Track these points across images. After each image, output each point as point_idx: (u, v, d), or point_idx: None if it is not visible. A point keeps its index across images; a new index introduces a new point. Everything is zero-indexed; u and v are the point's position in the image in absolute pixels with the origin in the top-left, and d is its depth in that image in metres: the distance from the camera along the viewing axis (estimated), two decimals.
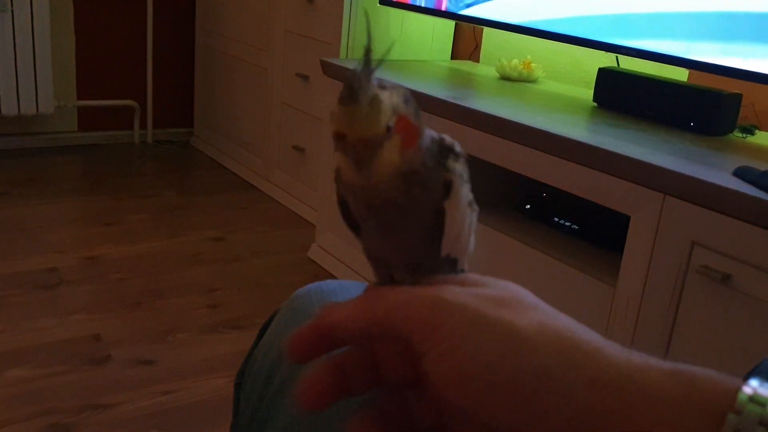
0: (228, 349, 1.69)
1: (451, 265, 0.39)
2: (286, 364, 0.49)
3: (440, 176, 0.36)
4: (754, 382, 0.30)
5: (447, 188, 0.36)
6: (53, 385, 1.49)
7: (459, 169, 0.36)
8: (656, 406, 0.31)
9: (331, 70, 2.08)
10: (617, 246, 1.32)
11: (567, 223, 1.60)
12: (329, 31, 2.33)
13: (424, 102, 1.72)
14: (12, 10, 2.76)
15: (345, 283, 0.56)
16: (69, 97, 3.13)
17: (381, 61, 0.33)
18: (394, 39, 2.37)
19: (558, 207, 1.62)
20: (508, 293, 0.35)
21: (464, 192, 0.37)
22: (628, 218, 1.27)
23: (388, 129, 0.33)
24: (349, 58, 2.29)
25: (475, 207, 0.39)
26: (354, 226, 0.40)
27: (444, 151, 0.36)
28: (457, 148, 0.37)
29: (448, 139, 0.38)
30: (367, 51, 0.33)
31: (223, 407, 1.47)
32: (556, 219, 1.61)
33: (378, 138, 0.33)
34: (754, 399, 0.29)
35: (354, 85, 0.32)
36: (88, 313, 1.79)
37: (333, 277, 2.12)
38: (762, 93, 1.61)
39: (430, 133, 0.37)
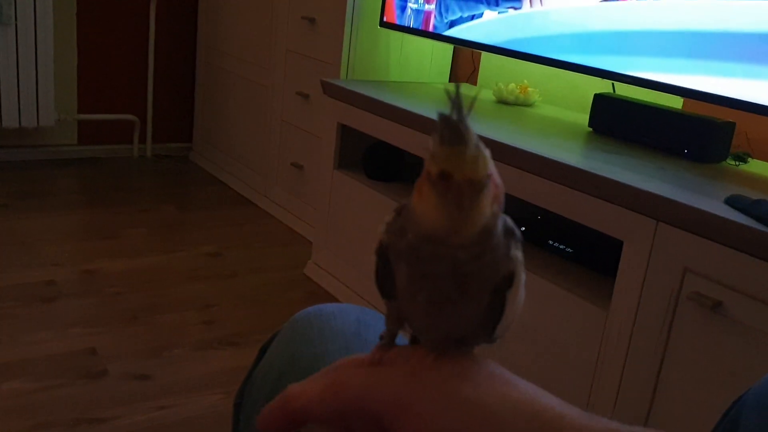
0: (223, 365, 1.70)
1: (493, 340, 0.39)
2: (285, 386, 0.51)
3: (507, 261, 0.35)
4: None
5: (510, 278, 0.36)
6: (49, 399, 1.49)
7: (520, 256, 0.36)
8: None
9: (330, 89, 2.10)
10: (610, 270, 1.34)
11: (561, 247, 1.61)
12: (330, 51, 2.36)
13: (421, 124, 1.75)
14: (16, 24, 2.78)
15: (344, 307, 0.57)
16: (70, 111, 3.15)
17: (471, 107, 0.33)
18: (393, 61, 2.40)
19: (552, 230, 1.64)
20: (476, 368, 0.36)
21: (523, 277, 0.37)
22: (621, 243, 1.30)
23: (489, 176, 0.33)
24: (349, 78, 2.32)
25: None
26: (389, 292, 0.38)
27: (509, 237, 0.35)
28: (518, 233, 0.36)
29: (509, 221, 0.36)
30: (458, 95, 0.33)
31: (218, 423, 1.48)
32: (550, 242, 1.63)
33: (484, 180, 0.32)
34: None
35: (461, 127, 0.32)
36: (85, 327, 1.80)
37: (329, 294, 2.13)
38: (755, 122, 1.64)
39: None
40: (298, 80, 2.56)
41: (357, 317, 0.55)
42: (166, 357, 1.71)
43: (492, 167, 0.33)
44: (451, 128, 0.32)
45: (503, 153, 1.52)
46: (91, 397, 1.52)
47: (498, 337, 0.39)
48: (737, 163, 1.59)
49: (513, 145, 1.50)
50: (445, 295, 0.35)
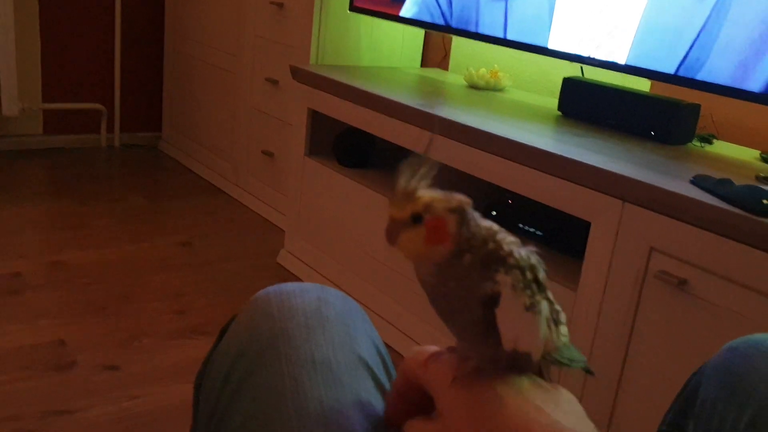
0: (195, 354, 1.69)
1: (524, 358, 0.44)
2: (243, 363, 0.50)
3: (486, 286, 0.41)
4: None
5: (495, 298, 0.41)
6: (17, 391, 1.47)
7: (510, 280, 0.41)
8: None
9: (300, 75, 2.09)
10: (579, 252, 1.35)
11: (531, 230, 1.62)
12: (299, 36, 2.34)
13: (393, 109, 1.74)
14: None
15: (304, 285, 0.57)
16: (34, 100, 3.09)
17: (428, 165, 0.42)
18: (364, 45, 2.39)
19: (523, 214, 1.65)
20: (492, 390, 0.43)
21: (519, 299, 0.42)
22: (588, 224, 1.30)
23: (417, 219, 0.40)
24: (319, 63, 2.30)
25: (540, 309, 0.43)
26: None
27: (494, 264, 0.41)
28: (513, 258, 0.42)
29: (506, 248, 0.42)
30: (425, 156, 0.42)
31: (190, 413, 1.46)
32: (521, 225, 1.64)
33: (401, 220, 0.41)
34: None
35: (399, 174, 0.41)
36: (53, 319, 1.77)
37: (302, 282, 2.12)
38: (720, 103, 1.66)
39: (488, 244, 0.42)
40: (268, 66, 2.54)
41: (318, 295, 0.55)
42: (137, 347, 1.70)
43: (437, 215, 0.41)
44: (398, 172, 0.41)
45: (474, 138, 1.52)
46: (59, 388, 1.50)
47: (532, 357, 0.44)
48: (703, 144, 1.61)
49: (484, 129, 1.50)
50: (442, 310, 0.43)
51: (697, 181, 1.21)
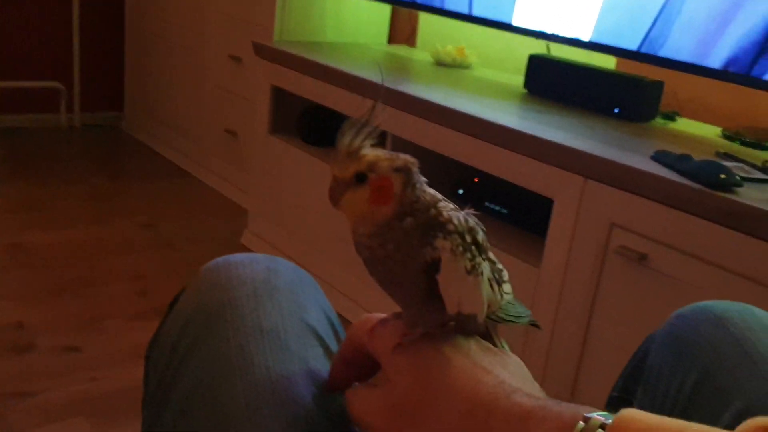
0: None
1: (469, 320, 0.44)
2: (191, 332, 0.50)
3: (425, 252, 0.41)
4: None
5: (436, 265, 0.41)
6: None
7: (449, 245, 0.41)
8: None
9: (263, 52, 2.06)
10: (544, 229, 1.35)
11: (497, 208, 1.63)
12: (262, 12, 2.30)
13: (360, 86, 1.73)
14: None
15: (253, 256, 0.56)
16: None
17: (370, 120, 0.41)
18: (329, 22, 2.36)
19: (489, 192, 1.65)
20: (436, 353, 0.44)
21: (459, 263, 0.42)
22: (551, 201, 1.31)
23: (361, 179, 0.40)
24: (283, 39, 2.27)
25: (480, 270, 0.43)
26: None
27: (433, 229, 0.41)
28: (452, 225, 0.42)
29: (446, 215, 0.42)
30: (367, 113, 0.41)
31: None
32: (487, 203, 1.64)
33: (344, 179, 0.40)
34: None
35: (343, 132, 0.41)
36: (11, 301, 1.74)
37: None
38: (684, 81, 1.67)
39: (429, 210, 0.42)
40: (231, 43, 2.50)
41: (267, 265, 0.54)
42: (98, 329, 1.67)
43: (382, 174, 0.40)
44: (340, 132, 0.41)
45: (440, 115, 1.51)
46: (19, 370, 1.47)
47: (478, 318, 0.45)
48: (666, 121, 1.63)
49: (450, 107, 1.49)
50: (383, 278, 0.43)
51: (658, 157, 1.22)
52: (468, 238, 0.43)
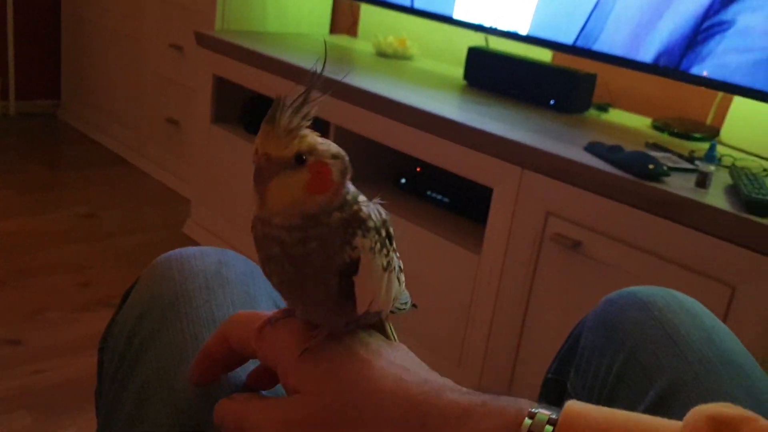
0: (100, 327, 1.62)
1: (373, 317, 0.42)
2: (146, 324, 0.51)
3: (344, 252, 0.38)
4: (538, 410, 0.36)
5: (354, 265, 0.38)
6: None
7: (368, 243, 0.38)
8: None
9: (205, 41, 2.04)
10: (483, 217, 1.40)
11: (438, 197, 1.66)
12: (203, 1, 2.28)
13: (300, 76, 1.73)
14: None
15: (205, 249, 0.58)
16: None
17: (308, 100, 0.37)
18: (270, 11, 2.36)
19: (431, 181, 1.69)
20: (345, 353, 0.41)
21: (377, 262, 0.39)
22: (491, 190, 1.35)
23: (299, 160, 0.36)
24: (225, 29, 2.26)
25: (394, 265, 0.41)
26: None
27: (352, 227, 0.38)
28: (372, 221, 0.39)
29: (366, 210, 0.39)
30: (307, 90, 0.37)
31: (95, 385, 1.44)
32: (429, 193, 1.68)
33: (281, 160, 0.36)
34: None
35: (277, 109, 0.36)
36: None
37: None
38: (616, 73, 1.73)
39: (353, 206, 0.39)
40: (172, 31, 2.47)
41: (218, 258, 0.56)
42: (40, 321, 1.65)
43: (321, 158, 0.36)
44: (272, 109, 0.36)
45: (382, 105, 1.54)
46: None
47: (381, 314, 0.42)
48: (599, 112, 1.69)
49: (391, 98, 1.52)
50: (289, 278, 0.38)
51: (591, 148, 1.28)
52: (383, 233, 0.40)
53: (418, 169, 1.72)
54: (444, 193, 1.66)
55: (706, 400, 0.34)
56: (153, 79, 2.61)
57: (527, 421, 0.35)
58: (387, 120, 1.53)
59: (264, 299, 0.55)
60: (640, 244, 1.15)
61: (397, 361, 0.40)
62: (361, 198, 0.40)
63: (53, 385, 1.44)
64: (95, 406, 0.60)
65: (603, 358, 0.58)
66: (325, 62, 0.39)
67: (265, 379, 0.45)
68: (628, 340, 0.57)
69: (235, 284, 0.54)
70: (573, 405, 0.35)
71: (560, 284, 1.25)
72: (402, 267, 0.44)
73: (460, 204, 1.63)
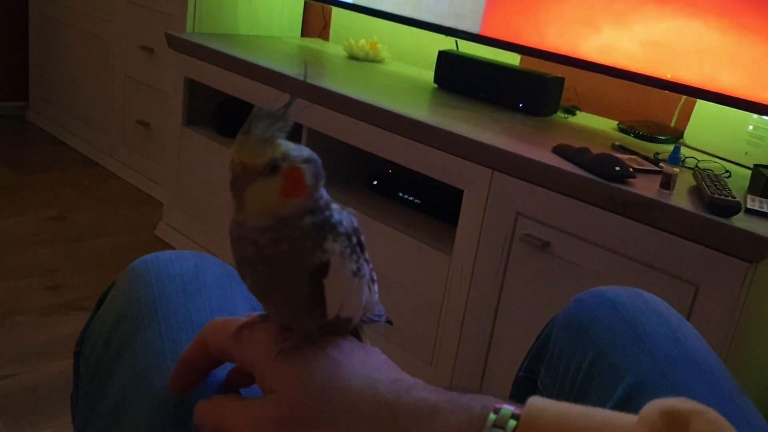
0: (71, 330, 1.64)
1: (345, 323, 0.43)
2: (123, 328, 0.52)
3: (315, 255, 0.39)
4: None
5: (324, 268, 0.40)
6: None
7: (338, 248, 0.40)
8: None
9: (176, 43, 2.04)
10: (454, 218, 1.42)
11: (410, 198, 1.68)
12: (174, 2, 2.28)
13: (272, 79, 1.75)
14: None
15: (181, 253, 0.58)
16: None
17: (286, 114, 0.39)
18: (242, 14, 2.36)
19: (402, 183, 1.70)
20: (318, 354, 0.42)
21: (346, 266, 0.41)
22: (462, 192, 1.37)
23: (274, 168, 0.38)
24: (196, 31, 2.25)
25: (364, 272, 0.43)
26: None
27: (323, 231, 0.40)
28: (342, 226, 0.41)
29: (337, 216, 0.41)
30: (287, 104, 0.39)
31: (67, 389, 1.43)
32: (400, 194, 1.70)
33: (257, 167, 0.38)
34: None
35: (253, 120, 0.38)
36: None
37: None
38: (582, 77, 1.77)
39: (325, 211, 0.40)
40: (142, 33, 2.46)
41: (195, 262, 0.57)
42: (8, 325, 1.63)
43: (293, 164, 0.38)
44: (248, 120, 0.38)
45: (353, 108, 1.55)
46: None
47: (351, 321, 0.44)
48: (566, 115, 1.72)
49: (362, 100, 1.54)
50: (262, 280, 0.40)
51: (559, 151, 1.30)
52: (354, 240, 0.42)
53: (389, 171, 1.74)
54: (415, 194, 1.68)
55: (673, 396, 0.36)
56: (123, 81, 2.59)
57: (492, 416, 0.36)
58: (359, 122, 1.54)
59: (241, 303, 0.56)
60: (606, 244, 1.17)
61: (368, 362, 0.42)
62: (334, 205, 0.41)
63: (23, 389, 1.42)
64: (71, 411, 0.60)
65: (573, 357, 0.60)
66: (305, 77, 0.41)
67: (243, 379, 0.46)
68: (597, 338, 0.59)
69: (212, 288, 0.55)
70: (535, 400, 0.37)
71: (530, 283, 1.28)
72: (375, 278, 0.46)
73: (431, 205, 1.65)
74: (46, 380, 1.46)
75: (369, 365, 0.41)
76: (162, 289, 0.53)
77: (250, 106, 1.96)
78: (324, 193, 0.41)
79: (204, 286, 0.54)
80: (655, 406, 0.34)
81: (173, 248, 2.13)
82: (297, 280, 0.40)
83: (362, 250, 0.43)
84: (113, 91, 2.65)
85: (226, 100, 2.02)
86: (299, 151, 0.39)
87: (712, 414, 0.33)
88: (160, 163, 2.44)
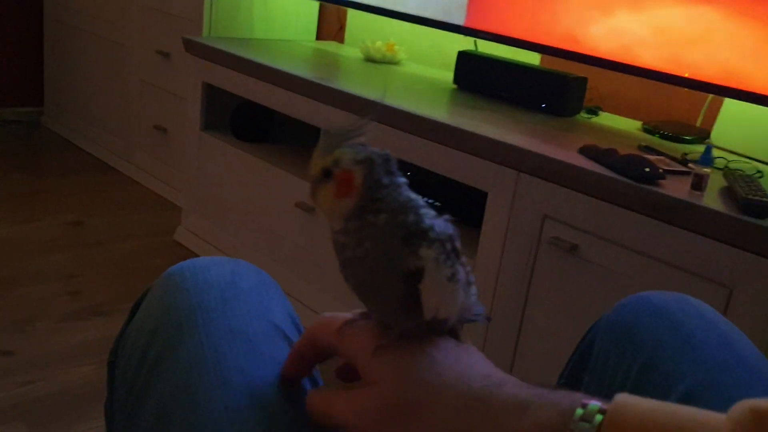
0: (92, 336, 1.64)
1: (441, 323, 0.45)
2: (161, 338, 0.51)
3: (409, 260, 0.42)
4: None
5: (420, 274, 0.42)
6: None
7: (432, 254, 0.42)
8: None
9: (193, 47, 2.03)
10: (477, 221, 1.40)
11: (430, 201, 1.66)
12: (190, 6, 2.27)
13: (289, 82, 1.73)
14: None
15: (217, 259, 0.57)
16: None
17: (353, 132, 0.43)
18: (258, 17, 2.35)
19: (422, 185, 1.68)
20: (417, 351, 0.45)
21: (441, 272, 0.43)
22: (485, 194, 1.35)
23: (327, 174, 0.42)
24: (212, 35, 2.25)
25: (459, 277, 0.44)
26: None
27: (414, 237, 0.42)
28: (434, 232, 0.43)
29: (428, 222, 0.43)
30: (358, 126, 0.44)
31: (90, 394, 1.43)
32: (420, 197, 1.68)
33: (316, 177, 0.43)
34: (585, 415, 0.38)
35: (321, 136, 0.43)
36: None
37: None
38: (605, 76, 1.74)
39: (414, 215, 0.43)
40: (158, 38, 2.45)
41: (232, 269, 0.56)
42: (29, 331, 1.63)
43: (344, 167, 0.42)
44: (321, 135, 0.43)
45: (372, 110, 1.53)
46: None
47: (447, 322, 0.46)
48: (589, 116, 1.70)
49: (382, 102, 1.52)
50: (360, 281, 0.44)
51: (585, 151, 1.28)
52: (448, 246, 0.43)
53: (408, 173, 1.72)
54: (435, 197, 1.66)
55: (726, 405, 0.35)
56: (139, 86, 2.59)
57: (579, 410, 0.38)
58: (378, 125, 1.52)
59: (278, 309, 0.55)
60: (636, 247, 1.15)
61: (464, 359, 0.45)
62: (424, 210, 0.43)
63: (47, 395, 1.42)
64: (105, 422, 0.59)
65: (619, 364, 0.58)
66: (383, 99, 0.45)
67: (350, 372, 0.49)
68: (645, 345, 0.58)
69: (250, 294, 0.54)
70: (623, 396, 0.37)
71: (557, 288, 1.26)
72: (472, 281, 0.48)
73: (451, 208, 1.62)
74: (68, 386, 1.46)
75: (464, 362, 0.44)
76: (200, 297, 0.52)
77: (268, 110, 1.97)
78: (404, 196, 0.43)
79: (241, 293, 0.53)
80: (745, 405, 0.34)
81: (192, 253, 2.12)
82: (392, 281, 0.43)
83: (457, 256, 0.44)
84: (129, 96, 2.65)
85: (243, 105, 2.01)
86: (355, 153, 0.42)
87: None
88: (178, 167, 2.43)
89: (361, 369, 0.45)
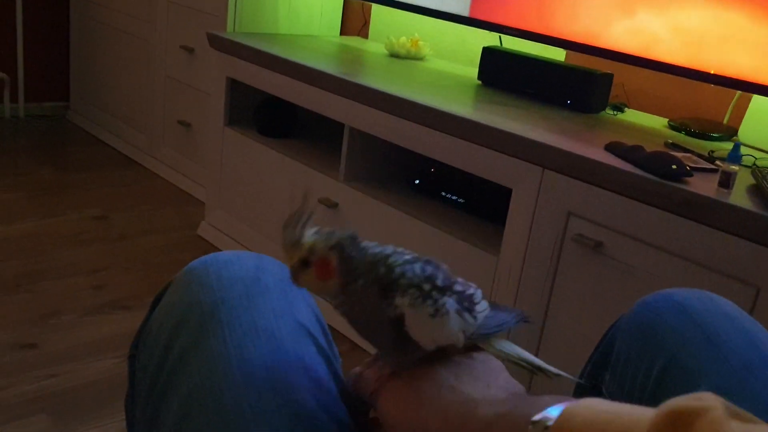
0: (115, 329, 1.65)
1: (448, 348, 0.49)
2: (184, 334, 0.50)
3: (390, 310, 0.46)
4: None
5: (401, 318, 0.46)
6: None
7: (407, 301, 0.46)
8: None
9: (218, 42, 2.04)
10: (500, 217, 1.39)
11: (454, 197, 1.66)
12: (215, 2, 2.28)
13: (315, 78, 1.73)
14: None
15: (240, 254, 0.57)
16: None
17: (304, 211, 0.46)
18: (282, 13, 2.35)
19: (445, 182, 1.68)
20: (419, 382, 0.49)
21: (422, 312, 0.46)
22: (509, 191, 1.34)
23: (305, 263, 0.46)
24: (237, 30, 2.25)
25: (445, 309, 0.47)
26: None
27: (387, 289, 0.46)
28: (406, 278, 0.46)
29: (398, 271, 0.46)
30: (302, 207, 0.46)
31: (113, 388, 1.44)
32: (443, 193, 1.67)
33: (293, 267, 0.47)
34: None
35: (284, 228, 0.46)
36: None
37: None
38: (631, 73, 1.72)
39: (383, 267, 0.46)
40: (182, 33, 2.47)
41: (256, 264, 0.55)
42: (54, 324, 1.65)
43: (320, 255, 0.46)
44: (283, 227, 0.47)
45: (396, 106, 1.53)
46: None
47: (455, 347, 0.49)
48: (615, 112, 1.68)
49: (405, 97, 1.51)
50: (360, 331, 0.49)
51: (611, 148, 1.27)
52: (426, 287, 0.46)
53: (432, 170, 1.71)
54: (459, 193, 1.65)
55: (752, 405, 0.33)
56: (163, 81, 2.61)
57: (536, 417, 0.39)
58: (402, 120, 1.52)
59: (303, 305, 0.54)
60: (662, 245, 1.14)
61: (455, 383, 0.47)
62: (394, 258, 0.47)
63: (71, 388, 1.43)
64: (126, 416, 0.59)
65: (641, 362, 0.57)
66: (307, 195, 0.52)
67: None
68: (667, 343, 0.56)
69: (274, 291, 0.53)
70: (575, 405, 0.37)
71: (582, 285, 1.24)
72: (476, 300, 0.50)
73: (475, 204, 1.62)
74: (94, 379, 1.47)
75: (447, 385, 0.46)
76: (224, 292, 0.51)
77: (292, 105, 1.97)
78: (370, 254, 0.47)
79: (266, 290, 0.53)
80: (666, 404, 0.32)
81: (216, 249, 2.13)
82: (384, 329, 0.47)
83: (441, 291, 0.47)
84: (154, 91, 2.67)
85: (267, 100, 2.01)
86: (326, 241, 0.46)
87: (716, 413, 0.30)
88: (202, 162, 2.45)
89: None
